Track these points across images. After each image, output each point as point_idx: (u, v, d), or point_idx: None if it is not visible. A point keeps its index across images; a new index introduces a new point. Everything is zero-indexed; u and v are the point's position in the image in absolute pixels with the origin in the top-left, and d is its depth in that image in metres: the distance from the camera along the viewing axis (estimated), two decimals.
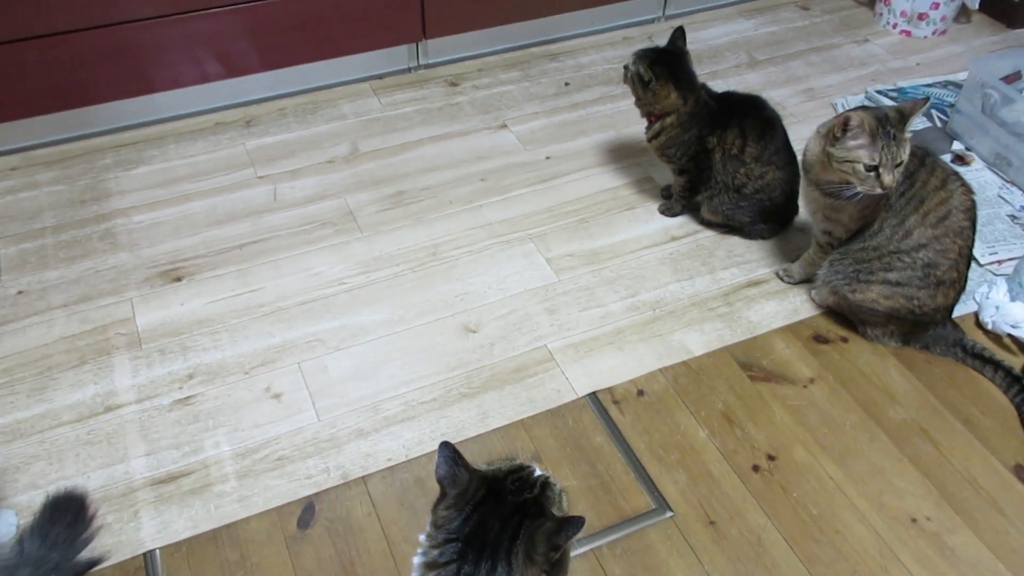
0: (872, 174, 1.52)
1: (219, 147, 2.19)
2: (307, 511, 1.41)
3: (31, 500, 1.41)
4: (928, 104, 1.49)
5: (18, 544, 1.27)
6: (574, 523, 0.89)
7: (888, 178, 1.51)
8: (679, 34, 1.83)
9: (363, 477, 1.46)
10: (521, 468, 0.97)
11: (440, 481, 0.94)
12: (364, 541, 1.37)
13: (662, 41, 1.87)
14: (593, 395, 1.60)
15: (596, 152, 2.20)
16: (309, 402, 1.58)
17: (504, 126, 2.28)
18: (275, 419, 1.55)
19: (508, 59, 2.55)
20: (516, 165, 2.15)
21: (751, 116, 1.81)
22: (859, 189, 1.54)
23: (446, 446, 0.94)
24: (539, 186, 2.09)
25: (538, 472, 0.98)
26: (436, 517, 0.94)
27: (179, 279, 1.82)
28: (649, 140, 1.90)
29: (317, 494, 1.43)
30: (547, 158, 2.18)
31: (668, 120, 1.83)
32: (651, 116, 1.88)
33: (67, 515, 1.31)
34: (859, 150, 1.52)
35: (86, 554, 1.31)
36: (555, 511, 0.95)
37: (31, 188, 2.05)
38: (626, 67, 1.85)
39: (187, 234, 1.93)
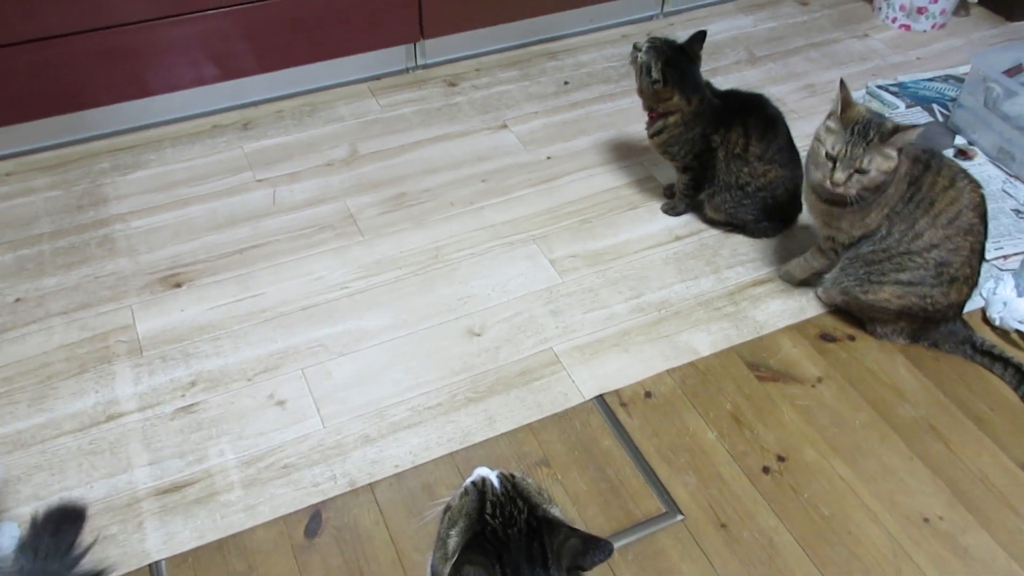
0: (829, 164, 1.50)
1: (217, 150, 2.17)
2: (314, 519, 1.39)
3: (34, 511, 1.38)
4: (919, 131, 1.46)
5: (17, 560, 1.25)
6: (602, 548, 0.86)
7: (839, 175, 1.49)
8: (699, 39, 1.79)
9: (370, 484, 1.44)
10: (482, 494, 0.91)
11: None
12: (372, 549, 1.35)
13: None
14: (600, 398, 1.59)
15: (597, 151, 2.18)
16: (314, 408, 1.56)
17: (504, 126, 2.27)
18: (280, 426, 1.53)
19: (507, 58, 2.53)
20: (517, 165, 2.13)
21: (754, 115, 1.80)
22: (814, 174, 1.55)
23: None
24: (541, 186, 2.07)
25: (495, 481, 0.93)
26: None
27: (179, 285, 1.80)
28: (651, 137, 1.88)
29: (324, 502, 1.42)
30: (548, 158, 2.16)
31: (671, 119, 1.82)
32: (653, 112, 1.87)
33: (51, 524, 1.27)
34: (830, 134, 1.51)
35: (90, 567, 1.29)
36: (539, 499, 0.92)
37: (27, 194, 2.02)
38: (636, 48, 1.81)
39: (186, 239, 1.91)
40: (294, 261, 1.86)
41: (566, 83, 2.43)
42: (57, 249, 1.88)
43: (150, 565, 1.33)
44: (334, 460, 1.48)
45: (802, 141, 1.94)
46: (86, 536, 1.29)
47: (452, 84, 2.42)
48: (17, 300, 1.76)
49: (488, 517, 0.89)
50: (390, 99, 2.36)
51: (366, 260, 1.86)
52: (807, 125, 2.23)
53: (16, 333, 1.69)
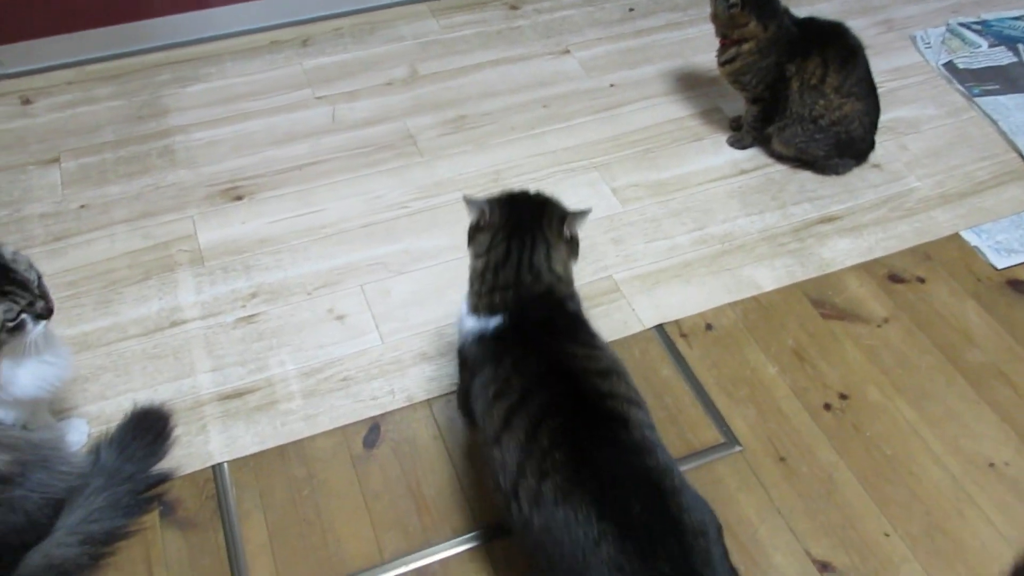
0: None
1: (276, 66, 2.15)
2: (372, 431, 1.41)
3: (100, 410, 1.42)
4: None
5: (92, 453, 1.28)
6: (581, 212, 1.18)
7: None
8: None
9: (428, 400, 1.45)
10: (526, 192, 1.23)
11: (481, 215, 1.18)
12: (430, 463, 1.36)
13: None
14: (660, 327, 1.57)
15: (662, 80, 2.12)
16: (372, 324, 1.56)
17: (567, 52, 2.21)
18: (339, 340, 1.54)
19: None
20: (579, 92, 2.08)
21: (833, 44, 1.73)
22: None
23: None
24: (603, 114, 2.02)
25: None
26: (476, 239, 1.19)
27: (239, 198, 1.80)
28: (722, 64, 1.82)
29: (382, 415, 1.43)
30: (611, 85, 2.11)
31: (745, 46, 1.75)
32: (724, 39, 1.80)
33: (149, 433, 1.31)
34: None
35: (158, 471, 1.32)
36: (558, 224, 1.18)
37: (89, 103, 2.03)
38: None
39: (246, 153, 1.90)
40: (353, 179, 1.85)
41: (631, 9, 2.35)
42: (120, 158, 1.89)
43: (213, 467, 1.35)
44: (392, 375, 1.48)
45: (880, 78, 1.86)
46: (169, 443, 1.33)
47: (514, 7, 2.36)
48: (82, 207, 1.77)
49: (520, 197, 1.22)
50: (450, 20, 2.30)
51: (425, 181, 1.84)
52: (883, 62, 2.15)
53: (82, 238, 1.71)
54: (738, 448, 1.39)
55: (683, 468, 1.35)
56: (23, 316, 1.12)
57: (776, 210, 1.80)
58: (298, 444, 1.39)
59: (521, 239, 1.15)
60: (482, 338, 1.13)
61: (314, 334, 1.55)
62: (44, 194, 1.80)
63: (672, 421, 1.43)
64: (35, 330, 1.14)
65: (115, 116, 1.99)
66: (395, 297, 1.61)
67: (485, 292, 1.15)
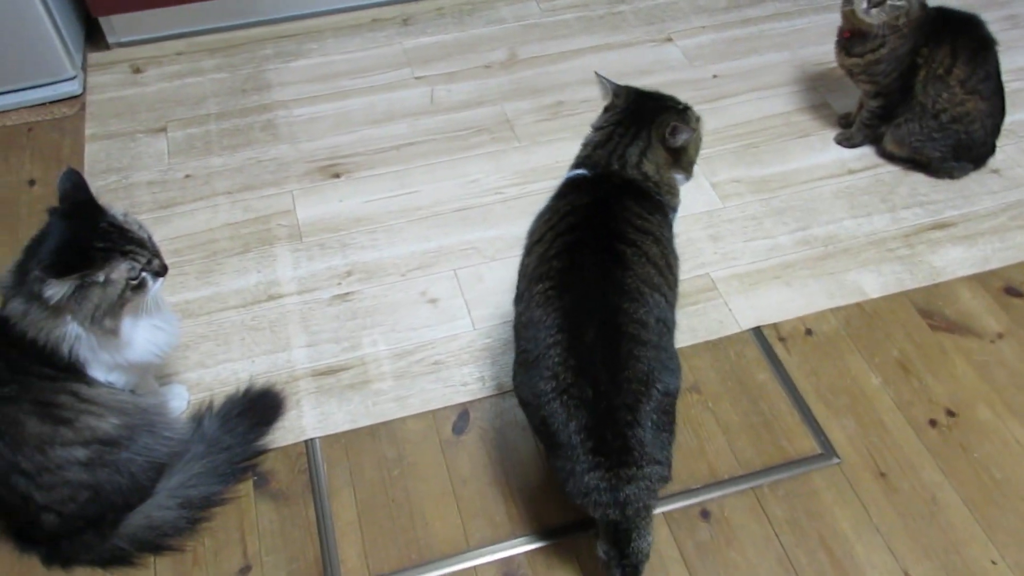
0: None
1: (376, 44, 2.16)
2: (462, 418, 1.41)
3: (200, 377, 1.46)
4: None
5: (194, 420, 1.32)
6: (683, 123, 1.20)
7: None
8: None
9: None
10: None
11: (608, 96, 1.29)
12: (518, 453, 1.36)
13: None
14: (758, 330, 1.52)
15: (768, 73, 2.05)
16: (464, 310, 1.56)
17: (669, 39, 2.16)
18: (431, 323, 1.54)
19: None
20: (681, 82, 2.03)
21: (966, 35, 1.64)
22: None
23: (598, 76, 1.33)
24: (705, 106, 1.97)
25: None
26: (601, 115, 1.29)
27: (337, 176, 1.82)
28: (859, 55, 1.70)
29: (472, 402, 1.43)
30: (714, 76, 2.05)
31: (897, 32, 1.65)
32: (847, 32, 1.71)
33: (256, 415, 1.34)
34: None
35: (254, 446, 1.35)
36: (668, 132, 1.20)
37: (196, 74, 2.07)
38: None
39: (345, 131, 1.92)
40: (450, 162, 1.84)
41: None
42: (223, 130, 1.92)
43: (306, 441, 1.37)
44: (483, 362, 1.48)
45: (1008, 76, 1.76)
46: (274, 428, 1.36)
47: None
48: (187, 176, 1.82)
49: (649, 97, 1.30)
50: (552, 3, 2.27)
51: (522, 167, 1.83)
52: (1008, 60, 2.02)
53: (185, 208, 1.75)
54: (836, 460, 1.34)
55: (776, 477, 1.32)
56: (143, 274, 1.15)
57: (885, 213, 1.72)
58: (389, 425, 1.40)
59: (625, 130, 1.23)
60: (563, 182, 1.25)
61: (407, 316, 1.55)
62: (152, 162, 1.85)
63: (767, 427, 1.39)
64: (154, 287, 1.17)
65: (220, 88, 2.03)
66: (488, 283, 1.60)
67: (583, 157, 1.27)
